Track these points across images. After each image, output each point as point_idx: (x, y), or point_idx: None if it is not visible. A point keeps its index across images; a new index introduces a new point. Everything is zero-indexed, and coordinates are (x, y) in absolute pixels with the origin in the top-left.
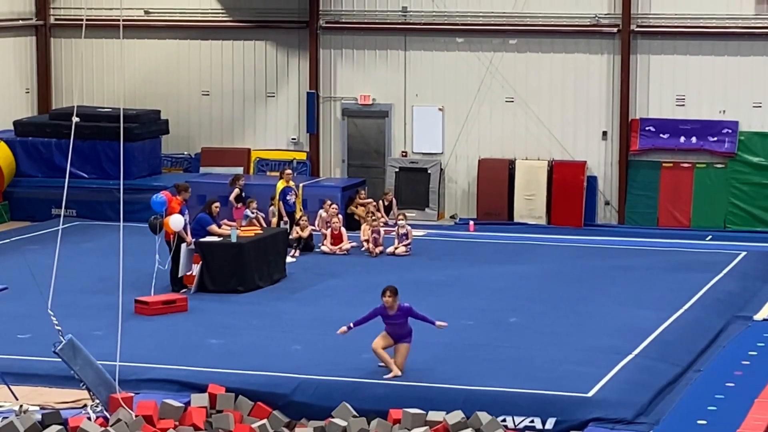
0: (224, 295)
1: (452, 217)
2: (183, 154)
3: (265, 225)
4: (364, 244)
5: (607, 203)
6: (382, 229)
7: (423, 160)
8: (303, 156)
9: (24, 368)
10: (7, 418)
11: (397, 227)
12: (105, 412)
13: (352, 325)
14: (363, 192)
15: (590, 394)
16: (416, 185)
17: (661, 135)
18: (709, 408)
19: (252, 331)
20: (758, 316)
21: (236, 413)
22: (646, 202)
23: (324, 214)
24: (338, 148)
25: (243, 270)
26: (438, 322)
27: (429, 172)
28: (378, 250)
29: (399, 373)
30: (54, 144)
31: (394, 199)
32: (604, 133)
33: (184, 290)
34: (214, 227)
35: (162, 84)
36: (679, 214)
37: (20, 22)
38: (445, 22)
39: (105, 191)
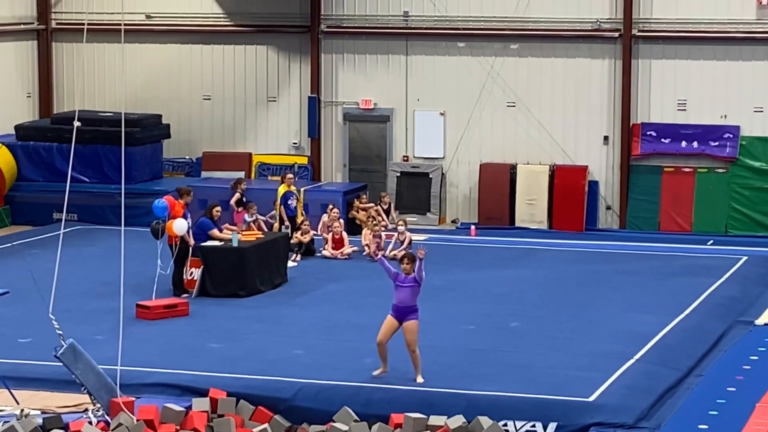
0: (225, 299)
1: (454, 221)
2: (184, 158)
3: (265, 229)
4: (366, 248)
5: (608, 208)
6: (383, 234)
7: (424, 164)
8: (304, 160)
9: (25, 372)
10: (8, 422)
11: (396, 233)
12: (106, 417)
13: (381, 256)
14: (364, 196)
15: (591, 398)
16: (417, 190)
17: (663, 140)
18: (711, 413)
19: (253, 335)
20: (759, 321)
21: (237, 418)
22: (648, 206)
23: (326, 219)
24: (340, 152)
25: (244, 274)
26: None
27: (430, 176)
28: (379, 254)
29: (387, 371)
30: (55, 148)
31: (391, 202)
32: (606, 138)
33: (185, 294)
34: (215, 231)
35: (163, 88)
36: (681, 219)
37: (22, 26)
38: (447, 26)
39: (106, 195)
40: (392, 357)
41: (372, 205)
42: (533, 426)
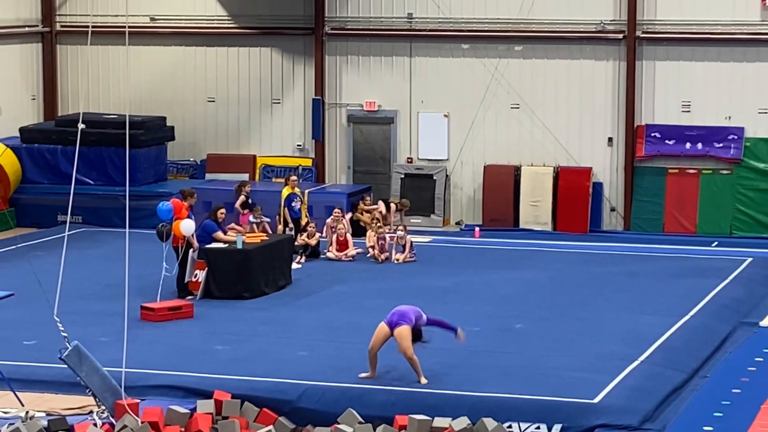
0: (230, 301)
1: (458, 223)
2: (189, 160)
3: (270, 231)
4: (370, 250)
5: (612, 209)
6: (387, 236)
7: (428, 166)
8: (308, 162)
9: (30, 374)
10: (13, 424)
11: (396, 237)
12: (111, 419)
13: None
14: (368, 198)
15: (596, 400)
16: (422, 192)
17: (667, 141)
18: (716, 414)
19: (258, 337)
20: (764, 322)
21: (242, 420)
22: (652, 208)
23: (330, 221)
24: (344, 154)
25: (249, 276)
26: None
27: (434, 178)
28: (383, 256)
29: (374, 377)
30: (60, 150)
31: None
32: (610, 140)
33: (190, 297)
34: (219, 234)
35: (167, 91)
36: (685, 221)
37: (26, 29)
38: (451, 28)
39: (111, 198)
40: (396, 360)
41: (376, 207)
42: (538, 428)
